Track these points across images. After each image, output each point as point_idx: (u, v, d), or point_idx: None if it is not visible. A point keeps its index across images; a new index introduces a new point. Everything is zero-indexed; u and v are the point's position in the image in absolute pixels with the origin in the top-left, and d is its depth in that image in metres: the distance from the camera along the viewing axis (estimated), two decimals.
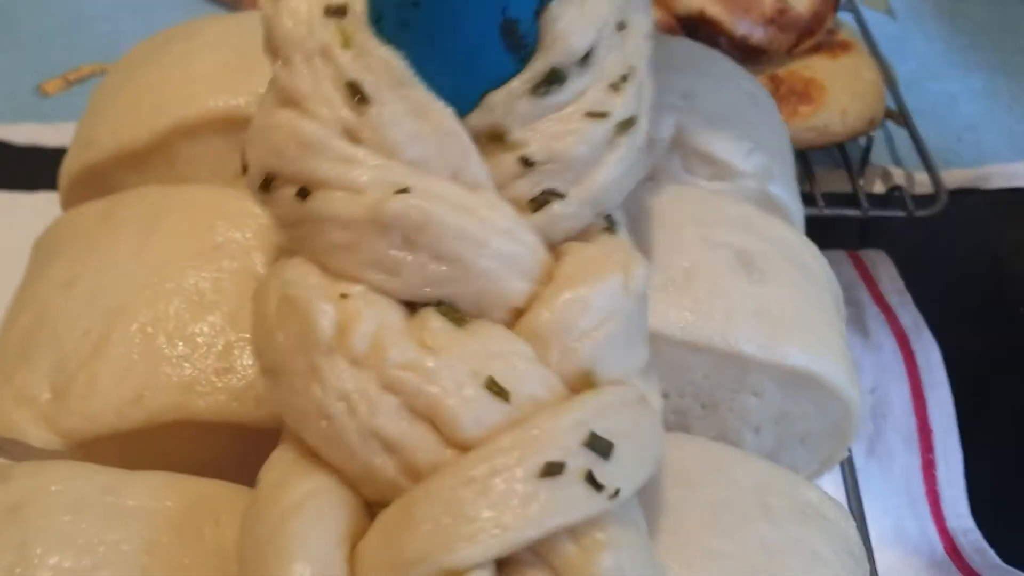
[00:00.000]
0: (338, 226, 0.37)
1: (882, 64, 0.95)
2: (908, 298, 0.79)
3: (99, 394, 0.46)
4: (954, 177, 0.94)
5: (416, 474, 0.36)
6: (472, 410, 0.36)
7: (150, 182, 0.58)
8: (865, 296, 0.80)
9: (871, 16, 1.09)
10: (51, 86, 0.95)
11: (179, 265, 0.49)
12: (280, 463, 0.39)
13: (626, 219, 0.52)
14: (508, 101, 0.40)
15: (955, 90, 1.05)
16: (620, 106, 0.41)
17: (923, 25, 1.15)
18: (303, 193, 0.38)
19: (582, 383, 0.38)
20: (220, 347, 0.46)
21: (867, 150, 0.91)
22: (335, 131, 0.38)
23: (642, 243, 0.52)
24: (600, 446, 0.36)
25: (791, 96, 0.85)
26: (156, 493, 0.41)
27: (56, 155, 0.86)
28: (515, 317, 0.39)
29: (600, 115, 0.41)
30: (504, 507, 0.34)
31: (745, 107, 0.63)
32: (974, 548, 0.66)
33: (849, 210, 0.85)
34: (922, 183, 0.91)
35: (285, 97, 0.39)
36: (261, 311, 0.39)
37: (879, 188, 0.93)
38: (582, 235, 0.42)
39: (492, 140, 0.40)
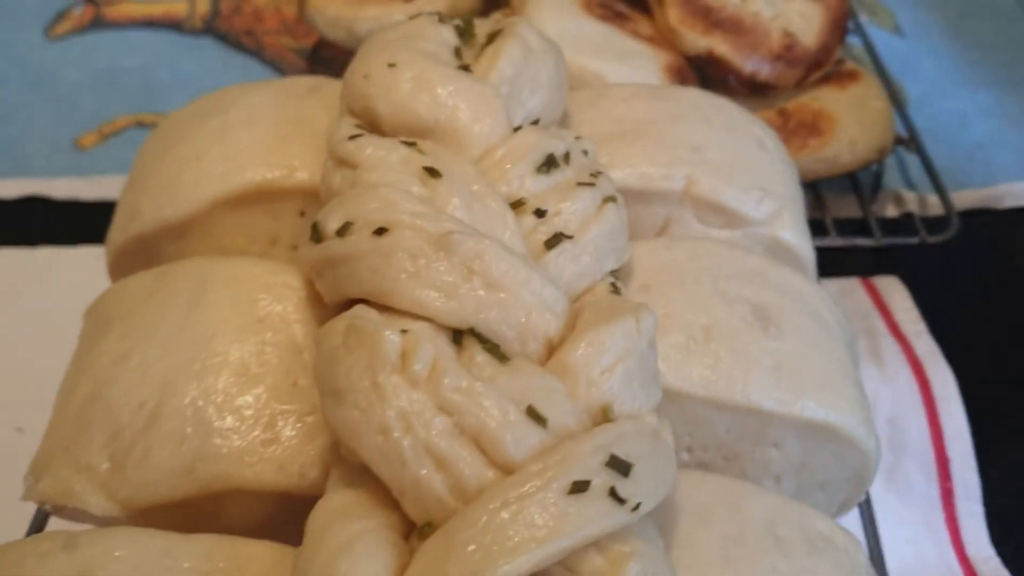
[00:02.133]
0: (408, 256, 0.45)
1: (891, 86, 0.97)
2: (923, 327, 0.81)
3: (154, 465, 0.48)
4: (966, 198, 0.96)
5: (461, 492, 0.40)
6: (514, 433, 0.41)
7: (191, 250, 0.61)
8: (880, 325, 0.82)
9: (878, 36, 1.11)
10: (87, 140, 0.98)
11: (225, 339, 0.51)
12: (325, 512, 0.43)
13: (647, 276, 0.56)
14: (521, 179, 0.52)
15: (965, 108, 1.07)
16: (601, 183, 0.54)
17: (931, 42, 1.16)
18: (379, 232, 0.46)
19: (603, 416, 0.44)
20: (266, 419, 0.49)
21: (878, 175, 0.93)
22: (410, 194, 0.48)
23: (663, 302, 0.54)
24: (620, 466, 0.41)
25: (800, 129, 0.87)
26: (209, 555, 0.44)
27: (94, 208, 0.91)
28: (547, 354, 0.46)
29: (588, 184, 0.53)
30: (539, 524, 0.38)
31: (754, 154, 0.65)
32: (995, 575, 0.68)
33: (861, 239, 0.87)
34: (934, 205, 0.93)
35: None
36: (327, 344, 0.45)
37: (891, 212, 0.95)
38: (592, 294, 0.50)
39: (515, 207, 0.51)
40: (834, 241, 0.87)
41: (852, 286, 0.86)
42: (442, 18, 0.62)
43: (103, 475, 0.49)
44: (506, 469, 0.40)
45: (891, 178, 0.98)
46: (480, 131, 0.54)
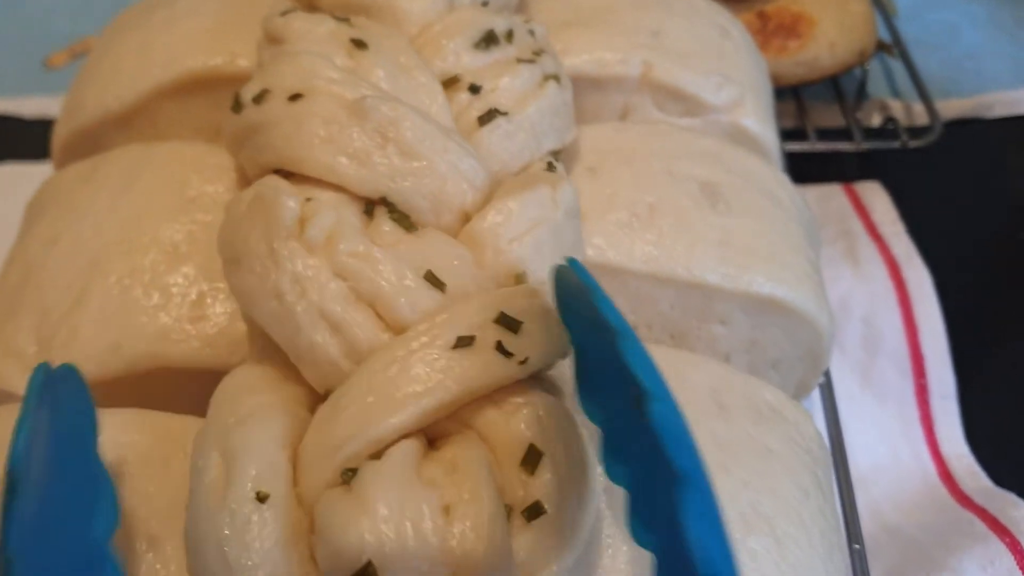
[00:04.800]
0: (321, 121, 0.44)
1: None
2: (900, 228, 0.79)
3: (80, 345, 0.48)
4: (954, 107, 0.93)
5: (357, 356, 0.40)
6: (410, 296, 0.40)
7: (135, 141, 0.60)
8: (858, 227, 0.80)
9: None
10: (57, 59, 0.97)
11: (154, 219, 0.50)
12: (229, 386, 0.42)
13: (594, 158, 0.54)
14: (457, 55, 0.50)
15: (956, 18, 1.04)
16: (543, 61, 0.52)
17: None
18: (294, 98, 0.45)
19: (512, 283, 0.43)
20: (194, 296, 0.48)
21: (863, 83, 0.90)
22: (331, 62, 0.46)
23: (609, 182, 0.53)
24: (509, 323, 0.40)
25: (780, 31, 0.84)
26: (124, 427, 0.43)
27: None
28: (462, 225, 0.45)
29: (528, 61, 0.51)
30: (422, 379, 0.37)
31: (716, 41, 0.63)
32: (967, 472, 0.67)
33: (842, 143, 0.85)
34: (920, 114, 0.90)
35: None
36: (233, 211, 0.44)
37: (876, 121, 0.92)
38: (525, 172, 0.48)
39: (448, 84, 0.49)
40: (815, 146, 0.85)
41: (833, 191, 0.84)
42: None
43: (31, 358, 0.48)
44: (400, 331, 0.39)
45: (877, 87, 0.95)
46: (418, 8, 0.52)
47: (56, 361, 0.48)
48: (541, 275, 0.43)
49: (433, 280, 0.41)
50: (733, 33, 0.65)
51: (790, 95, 0.90)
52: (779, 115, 0.76)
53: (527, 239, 0.43)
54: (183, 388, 0.49)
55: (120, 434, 0.43)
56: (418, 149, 0.44)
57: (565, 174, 0.48)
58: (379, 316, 0.40)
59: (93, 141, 0.60)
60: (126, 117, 0.59)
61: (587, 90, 0.60)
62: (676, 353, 0.48)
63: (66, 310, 0.49)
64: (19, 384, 0.48)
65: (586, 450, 0.37)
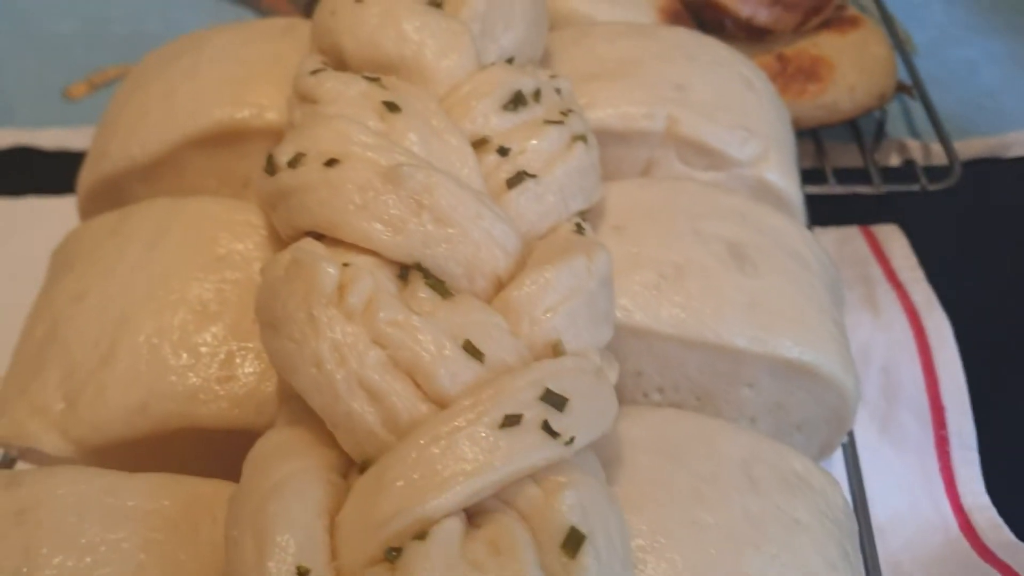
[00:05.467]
0: (356, 188, 0.44)
1: (897, 34, 0.94)
2: (920, 274, 0.79)
3: (107, 404, 0.48)
4: (973, 146, 0.93)
5: (395, 426, 0.40)
6: (449, 367, 0.40)
7: (161, 192, 0.60)
8: (877, 272, 0.80)
9: None
10: (76, 90, 0.97)
11: (183, 277, 0.50)
12: (263, 450, 0.42)
13: (620, 216, 0.54)
14: (486, 116, 0.49)
15: (974, 56, 1.04)
16: (571, 121, 0.52)
17: None
18: (330, 163, 0.45)
19: (548, 353, 0.43)
20: (223, 356, 0.48)
21: (881, 123, 0.90)
22: (365, 127, 0.47)
23: (635, 240, 0.53)
24: (555, 400, 0.40)
25: (799, 75, 0.84)
26: (154, 493, 0.43)
27: (83, 159, 0.89)
28: (495, 290, 0.45)
29: (556, 122, 0.52)
30: (469, 458, 0.37)
31: (740, 94, 0.63)
32: (989, 525, 0.66)
33: (861, 186, 0.85)
34: (938, 154, 0.90)
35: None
36: (269, 275, 0.44)
37: (895, 161, 0.92)
38: (555, 234, 0.49)
39: (477, 146, 0.50)
40: (833, 189, 0.85)
41: (851, 234, 0.84)
42: None
43: (57, 415, 0.48)
44: (441, 403, 0.39)
45: (895, 127, 0.95)
46: (446, 67, 0.52)
47: (83, 419, 0.48)
48: (576, 345, 0.43)
49: (472, 350, 0.41)
50: (756, 84, 0.65)
51: (808, 135, 0.90)
52: (798, 156, 0.76)
53: (562, 309, 0.43)
54: (210, 447, 0.49)
55: (148, 501, 0.43)
56: (452, 216, 0.44)
57: (598, 240, 0.48)
58: (418, 386, 0.40)
59: (118, 190, 0.61)
60: (151, 167, 0.59)
61: (611, 143, 0.60)
62: (705, 421, 0.48)
63: (93, 367, 0.49)
64: (45, 441, 0.48)
65: (625, 534, 0.37)
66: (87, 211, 0.63)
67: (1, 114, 0.93)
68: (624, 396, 0.51)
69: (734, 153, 0.60)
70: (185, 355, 0.48)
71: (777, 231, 0.56)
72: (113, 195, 0.61)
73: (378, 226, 0.44)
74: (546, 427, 0.38)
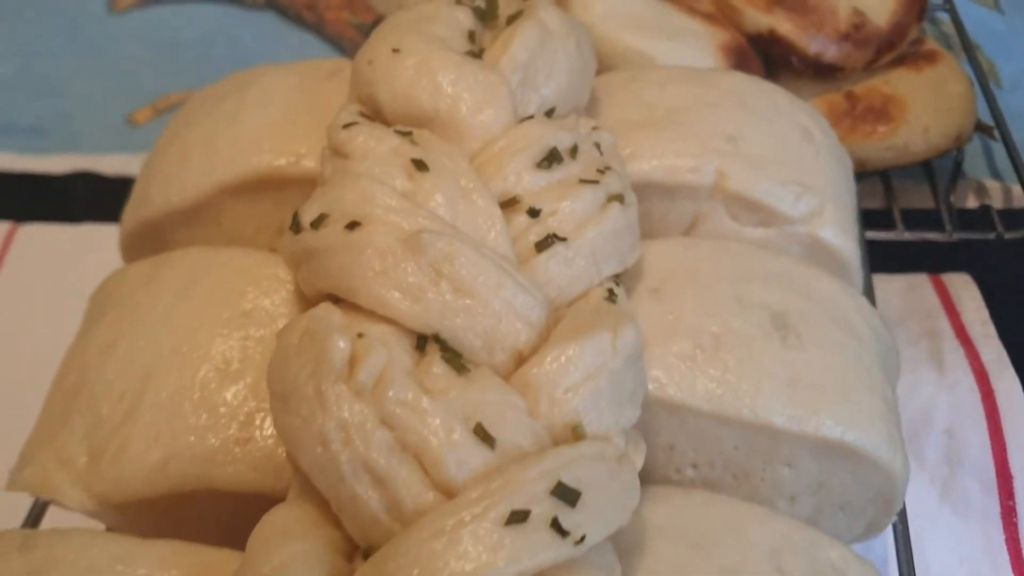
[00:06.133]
0: (376, 253, 0.43)
1: (980, 67, 0.89)
2: (991, 330, 0.75)
3: (128, 461, 0.47)
4: None
5: (399, 513, 0.38)
6: (456, 453, 0.38)
7: (200, 237, 0.60)
8: (944, 326, 0.76)
9: (973, 13, 1.03)
10: (140, 115, 0.98)
11: (208, 332, 0.50)
12: (267, 528, 0.41)
13: (658, 278, 0.52)
14: (518, 174, 0.49)
15: None
16: (608, 180, 0.50)
17: None
18: (351, 226, 0.44)
19: (568, 436, 0.41)
20: (242, 417, 0.48)
21: (958, 163, 0.86)
22: (391, 188, 0.46)
23: (673, 306, 0.51)
24: (567, 494, 0.38)
25: (868, 115, 0.81)
26: (163, 562, 0.43)
27: None
28: (515, 364, 0.43)
29: (592, 181, 0.49)
30: (472, 556, 0.36)
31: (796, 145, 0.60)
32: None
33: (932, 233, 0.81)
34: (1020, 197, 0.86)
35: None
36: (284, 342, 0.43)
37: (971, 203, 0.88)
38: (585, 300, 0.47)
39: (507, 206, 0.48)
40: (901, 235, 0.81)
41: (918, 282, 0.80)
42: None
43: (81, 468, 0.48)
44: (447, 491, 0.38)
45: (973, 164, 0.90)
46: (481, 122, 0.51)
47: (105, 476, 0.48)
48: (598, 427, 0.41)
49: (483, 435, 0.39)
50: (816, 134, 0.62)
51: (876, 175, 0.86)
52: (863, 196, 0.73)
53: (584, 389, 0.41)
54: (228, 508, 0.48)
55: (158, 570, 0.42)
56: (472, 286, 0.43)
57: (628, 311, 0.46)
58: (425, 471, 0.39)
59: (158, 232, 0.61)
60: (190, 212, 0.59)
61: (655, 197, 0.58)
62: (736, 507, 0.46)
63: (118, 422, 0.48)
64: (68, 496, 0.48)
65: None
66: (129, 251, 0.63)
67: (67, 139, 0.95)
68: (655, 471, 0.49)
69: (786, 209, 0.57)
70: (205, 415, 0.48)
71: (826, 297, 0.53)
72: (154, 237, 0.61)
73: (396, 294, 0.43)
74: (555, 524, 0.36)
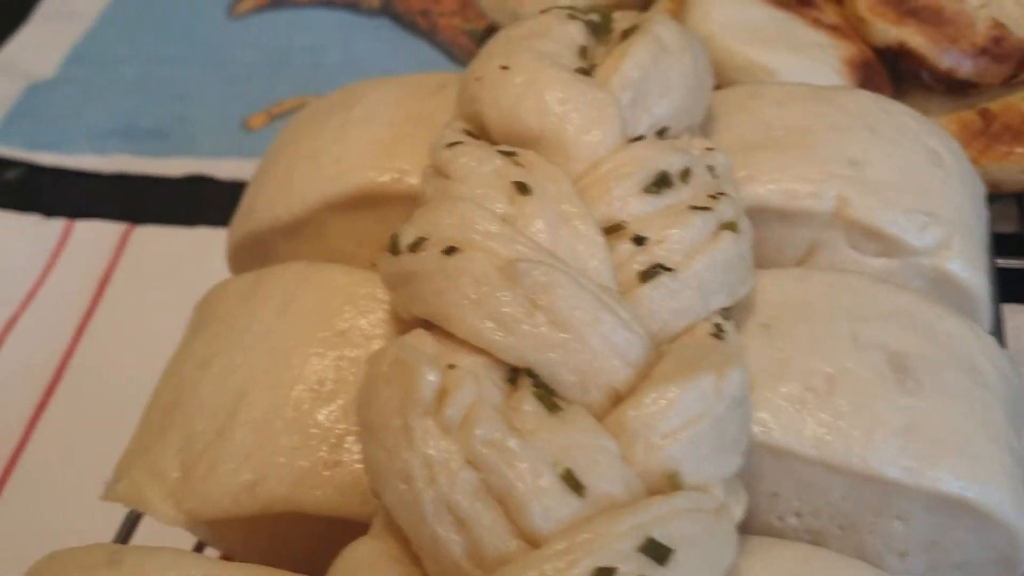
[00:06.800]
0: (472, 281, 0.42)
1: None
2: None
3: (218, 480, 0.47)
4: None
5: (480, 560, 0.37)
6: (543, 501, 0.37)
7: (302, 251, 0.60)
8: None
9: None
10: (256, 120, 0.99)
11: (303, 352, 0.49)
12: (348, 561, 0.41)
13: (770, 313, 0.49)
14: (624, 199, 0.47)
15: None
16: (720, 207, 0.48)
17: None
18: (449, 251, 0.43)
19: (664, 485, 0.39)
20: (333, 439, 0.47)
21: None
22: (491, 212, 0.45)
23: (784, 344, 0.48)
24: (657, 552, 0.36)
25: (1005, 134, 0.76)
26: None
27: None
28: (611, 403, 0.41)
29: (703, 208, 0.47)
30: None
31: (924, 171, 0.57)
32: None
33: None
34: None
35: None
36: (374, 370, 0.42)
37: None
38: (690, 335, 0.45)
39: (611, 232, 0.46)
40: None
41: None
42: (575, 13, 0.57)
43: (172, 484, 0.48)
44: (531, 540, 0.36)
45: None
46: (587, 143, 0.49)
47: (195, 492, 0.48)
48: (696, 477, 0.39)
49: (572, 482, 0.37)
50: (945, 159, 0.58)
51: (1011, 198, 0.81)
52: (995, 219, 0.68)
53: (684, 435, 0.39)
54: (315, 531, 0.48)
55: None
56: (568, 320, 0.41)
57: (736, 349, 0.44)
58: (508, 517, 0.37)
59: (263, 245, 0.61)
60: (294, 226, 0.59)
61: (771, 222, 0.55)
62: (836, 563, 0.43)
63: (210, 440, 0.48)
64: (159, 510, 0.48)
65: None
66: (235, 261, 0.64)
67: (184, 143, 0.97)
68: (756, 518, 0.46)
69: (911, 240, 0.54)
70: (296, 435, 0.47)
71: (951, 338, 0.49)
72: (259, 249, 0.61)
73: (490, 324, 0.41)
74: None
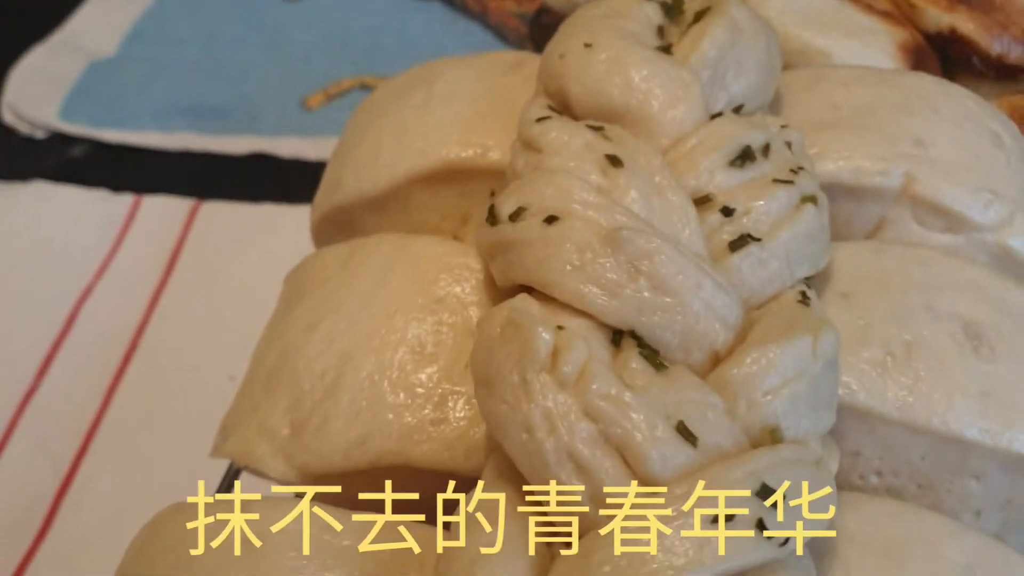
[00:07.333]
0: (574, 248, 0.44)
1: None
2: None
3: (328, 435, 0.50)
4: None
5: (601, 502, 0.39)
6: (660, 449, 0.39)
7: (387, 223, 0.62)
8: None
9: None
10: (314, 100, 1.02)
11: (404, 317, 0.52)
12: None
13: (848, 283, 0.52)
14: (711, 172, 0.49)
15: None
16: (802, 181, 0.50)
17: None
18: (550, 220, 0.45)
19: (765, 439, 0.41)
20: (436, 398, 0.50)
21: None
22: (587, 183, 0.47)
23: (863, 311, 0.50)
24: (771, 497, 0.38)
25: None
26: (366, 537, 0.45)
27: (315, 169, 0.94)
28: (711, 364, 0.44)
29: (786, 181, 0.50)
30: (679, 552, 0.37)
31: (987, 151, 0.59)
32: None
33: None
34: None
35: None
36: (486, 332, 0.44)
37: None
38: (777, 302, 0.47)
39: (700, 203, 0.49)
40: None
41: None
42: None
43: (283, 440, 0.51)
44: (651, 486, 0.39)
45: None
46: (673, 118, 0.51)
47: (307, 448, 0.51)
48: (795, 432, 0.42)
49: (685, 432, 0.40)
50: (1006, 140, 0.61)
51: None
52: None
53: (784, 392, 0.42)
54: (420, 484, 0.50)
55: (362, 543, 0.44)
56: (671, 285, 0.44)
57: (825, 315, 0.47)
58: (627, 464, 0.40)
59: (348, 217, 0.63)
60: (380, 200, 0.61)
61: (840, 198, 0.58)
62: (926, 518, 0.46)
63: (319, 398, 0.51)
64: (271, 466, 0.51)
65: None
66: (319, 233, 0.66)
67: (247, 120, 0.99)
68: (839, 477, 0.49)
69: (975, 217, 0.56)
70: (403, 394, 0.50)
71: (1020, 308, 0.52)
72: (344, 222, 0.64)
73: (594, 289, 0.44)
74: (760, 526, 0.37)
